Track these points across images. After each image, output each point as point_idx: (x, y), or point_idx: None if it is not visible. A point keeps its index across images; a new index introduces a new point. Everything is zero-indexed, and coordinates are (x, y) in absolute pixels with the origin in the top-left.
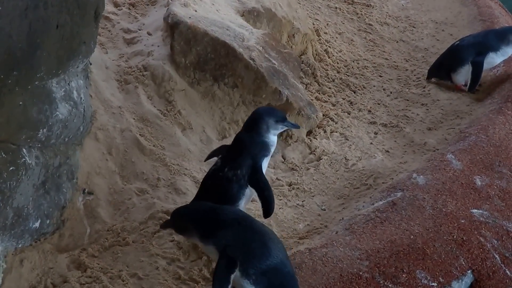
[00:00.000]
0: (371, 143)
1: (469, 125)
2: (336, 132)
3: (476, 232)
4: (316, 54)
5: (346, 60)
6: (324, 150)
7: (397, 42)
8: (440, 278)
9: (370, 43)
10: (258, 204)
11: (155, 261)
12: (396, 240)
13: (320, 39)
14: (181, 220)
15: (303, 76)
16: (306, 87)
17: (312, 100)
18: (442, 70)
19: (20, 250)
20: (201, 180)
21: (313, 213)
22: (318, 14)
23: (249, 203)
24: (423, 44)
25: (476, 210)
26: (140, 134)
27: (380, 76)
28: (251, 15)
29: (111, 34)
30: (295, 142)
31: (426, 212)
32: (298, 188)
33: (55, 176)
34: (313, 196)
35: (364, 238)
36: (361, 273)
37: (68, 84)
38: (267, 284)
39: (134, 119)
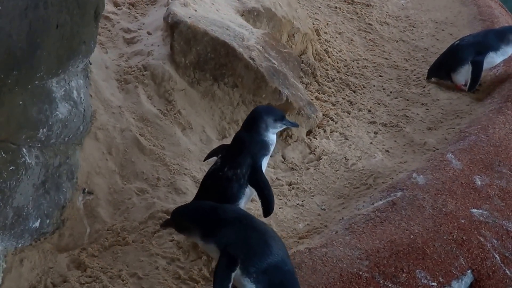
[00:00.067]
0: (371, 143)
1: (469, 124)
2: (336, 131)
3: (476, 232)
4: (316, 54)
5: (346, 60)
6: (324, 150)
7: (397, 41)
8: (440, 278)
9: (370, 42)
10: (258, 204)
11: (155, 260)
12: (396, 239)
13: (320, 39)
14: (182, 219)
15: (303, 76)
16: (306, 87)
17: (312, 99)
18: (442, 69)
19: (20, 249)
20: (201, 180)
21: (313, 212)
22: (318, 13)
23: (249, 202)
24: (423, 44)
25: (476, 210)
26: (140, 134)
27: (380, 76)
28: (251, 15)
29: (111, 33)
30: (295, 141)
31: (426, 211)
32: (298, 187)
33: (55, 176)
34: (313, 195)
35: (364, 238)
36: (361, 272)
37: (68, 83)
38: (267, 282)
39: (134, 118)
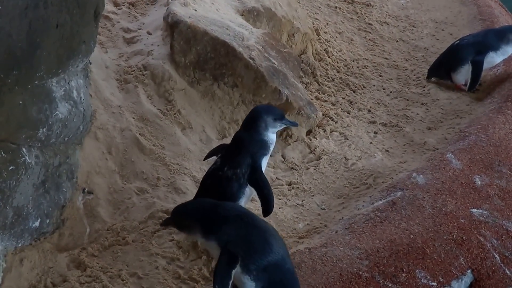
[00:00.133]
0: (371, 143)
1: (469, 124)
2: (336, 131)
3: (476, 231)
4: (316, 54)
5: (346, 60)
6: (323, 150)
7: (397, 41)
8: (440, 278)
9: (370, 42)
10: (258, 203)
11: (154, 260)
12: (395, 239)
13: (320, 39)
14: (182, 217)
15: (303, 76)
16: (306, 87)
17: (312, 99)
18: (442, 69)
19: (20, 249)
20: (200, 180)
21: (313, 212)
22: (318, 13)
23: (248, 202)
24: (423, 44)
25: (475, 210)
26: (140, 134)
27: (380, 76)
28: (251, 15)
29: (111, 33)
30: (294, 141)
31: (425, 211)
32: (298, 187)
33: (55, 176)
34: (313, 195)
35: (364, 238)
36: (360, 272)
37: (68, 83)
38: (267, 280)
39: (134, 118)
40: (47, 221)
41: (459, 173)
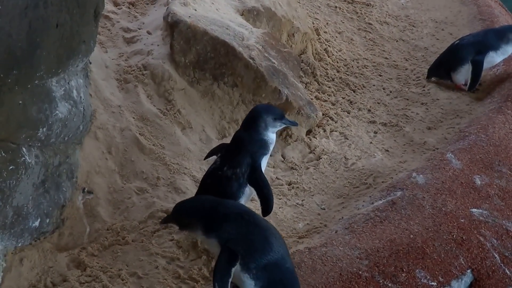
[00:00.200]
0: (371, 142)
1: (468, 124)
2: (335, 131)
3: (476, 231)
4: (315, 53)
5: (345, 59)
6: (323, 149)
7: (397, 41)
8: (440, 278)
9: (370, 42)
10: (258, 203)
11: (154, 260)
12: (395, 239)
13: (319, 38)
14: (183, 214)
15: (303, 75)
16: (305, 86)
17: (311, 99)
18: (442, 69)
19: (20, 249)
20: (200, 179)
21: (313, 212)
22: (317, 13)
23: (248, 201)
24: (423, 43)
25: (475, 210)
26: (139, 133)
27: (380, 75)
28: (251, 14)
29: (111, 33)
30: (294, 141)
31: (425, 211)
32: (298, 187)
33: (55, 175)
34: (313, 195)
35: (364, 237)
36: (360, 272)
37: (68, 83)
38: (267, 279)
39: (133, 118)
40: (47, 220)
41: (459, 173)
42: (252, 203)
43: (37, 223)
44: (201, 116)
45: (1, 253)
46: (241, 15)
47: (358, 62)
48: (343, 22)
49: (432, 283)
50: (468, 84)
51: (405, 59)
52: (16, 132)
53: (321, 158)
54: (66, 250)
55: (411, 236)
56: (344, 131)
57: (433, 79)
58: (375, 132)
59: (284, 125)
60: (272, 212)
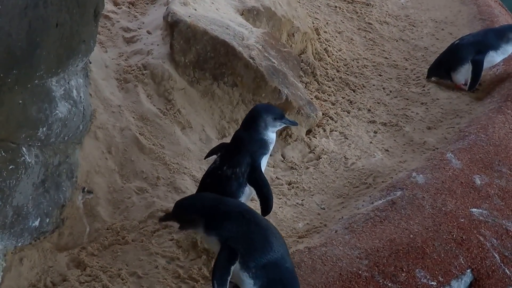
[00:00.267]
0: (371, 142)
1: (468, 124)
2: (335, 131)
3: (476, 231)
4: (315, 53)
5: (345, 59)
6: (323, 149)
7: (397, 41)
8: (440, 277)
9: (370, 42)
10: (258, 203)
11: (154, 259)
12: (395, 239)
13: (319, 38)
14: (184, 211)
15: (303, 75)
16: (305, 86)
17: (311, 99)
18: (442, 69)
19: (20, 248)
20: (200, 179)
21: (313, 212)
22: (317, 13)
23: (248, 201)
24: (423, 43)
25: (475, 209)
26: (139, 133)
27: (380, 75)
28: (251, 14)
29: (111, 33)
30: (294, 141)
31: (425, 211)
32: (298, 187)
33: (55, 175)
34: (313, 195)
35: (364, 237)
36: (360, 272)
37: (68, 82)
38: (266, 278)
39: (133, 117)
40: (47, 220)
41: (459, 173)
42: (252, 202)
43: (37, 223)
44: (201, 116)
45: (1, 252)
46: (241, 15)
47: (358, 62)
48: (343, 22)
49: (432, 283)
50: (468, 83)
51: (405, 59)
52: (16, 131)
53: (321, 158)
54: (66, 250)
55: (411, 236)
56: (344, 130)
57: (433, 79)
58: (375, 132)
59: (284, 125)
60: (272, 211)
